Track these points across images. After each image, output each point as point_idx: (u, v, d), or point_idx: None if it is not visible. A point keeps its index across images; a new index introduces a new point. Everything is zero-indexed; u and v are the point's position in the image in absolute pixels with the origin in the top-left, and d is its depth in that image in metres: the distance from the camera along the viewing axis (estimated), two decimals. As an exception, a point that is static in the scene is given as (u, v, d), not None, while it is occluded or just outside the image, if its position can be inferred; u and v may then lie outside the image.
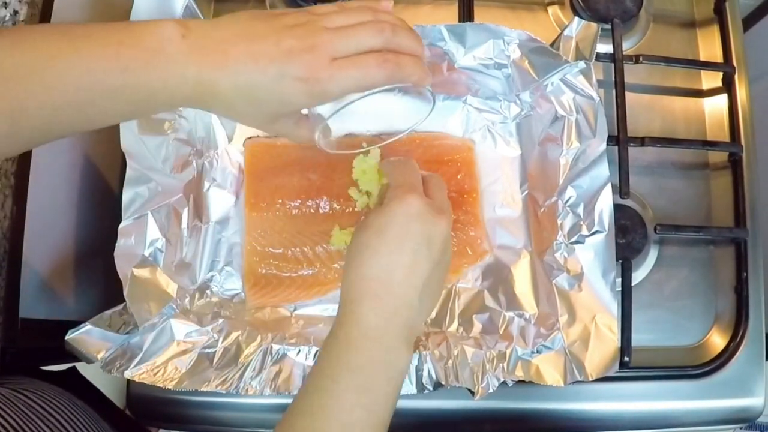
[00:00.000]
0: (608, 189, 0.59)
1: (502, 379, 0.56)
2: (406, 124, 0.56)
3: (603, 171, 0.60)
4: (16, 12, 0.56)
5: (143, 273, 0.57)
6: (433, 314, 0.62)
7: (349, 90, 0.44)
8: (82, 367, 0.61)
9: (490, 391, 0.56)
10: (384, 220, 0.46)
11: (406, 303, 0.45)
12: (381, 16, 0.46)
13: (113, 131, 0.58)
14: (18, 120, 0.40)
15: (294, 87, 0.42)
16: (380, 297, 0.45)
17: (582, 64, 0.61)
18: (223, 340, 0.58)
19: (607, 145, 0.60)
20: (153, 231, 0.58)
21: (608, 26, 0.68)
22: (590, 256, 0.59)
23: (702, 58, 0.74)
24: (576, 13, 0.71)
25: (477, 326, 0.61)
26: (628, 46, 0.72)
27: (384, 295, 0.45)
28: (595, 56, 0.62)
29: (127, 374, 0.55)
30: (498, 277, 0.64)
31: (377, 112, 0.54)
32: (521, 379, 0.57)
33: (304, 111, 0.49)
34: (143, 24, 0.42)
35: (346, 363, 0.44)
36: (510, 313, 0.62)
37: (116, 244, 0.57)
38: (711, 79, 0.73)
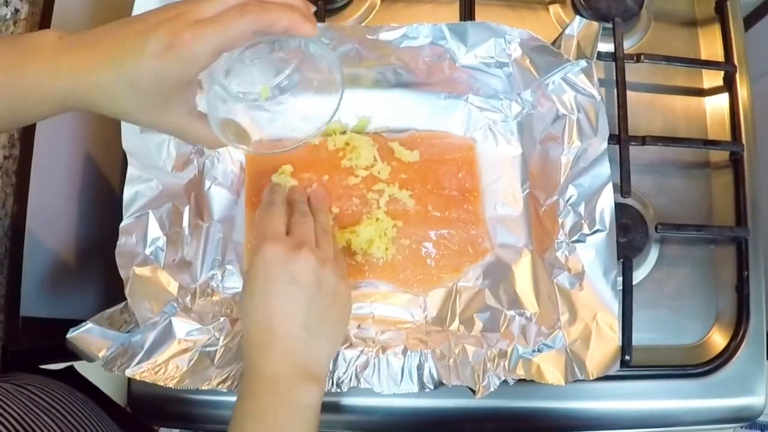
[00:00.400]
0: (609, 188, 0.59)
1: (503, 378, 0.56)
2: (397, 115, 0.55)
3: (604, 170, 0.60)
4: (17, 11, 0.56)
5: (144, 271, 0.57)
6: (435, 313, 0.62)
7: (216, 48, 0.42)
8: (83, 366, 0.61)
9: (491, 389, 0.56)
10: (250, 274, 0.50)
11: (293, 341, 0.48)
12: None
13: (114, 130, 0.58)
14: None
15: (161, 56, 0.41)
16: (266, 344, 0.48)
17: (583, 62, 0.61)
18: (224, 339, 0.57)
19: (608, 143, 0.60)
20: (154, 230, 0.58)
21: (609, 25, 0.68)
22: (591, 255, 0.59)
23: (703, 57, 0.74)
24: (577, 11, 0.71)
25: (478, 325, 0.61)
26: (629, 45, 0.72)
27: (269, 341, 0.48)
28: (596, 55, 0.62)
29: (128, 373, 0.55)
30: (499, 276, 0.64)
31: (303, 115, 0.52)
32: (522, 377, 0.57)
33: (201, 108, 0.47)
34: (26, 34, 0.44)
35: (250, 411, 0.48)
36: (511, 312, 0.62)
37: (117, 243, 0.57)
38: (712, 78, 0.73)
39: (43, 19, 0.59)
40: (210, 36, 0.41)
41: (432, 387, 0.56)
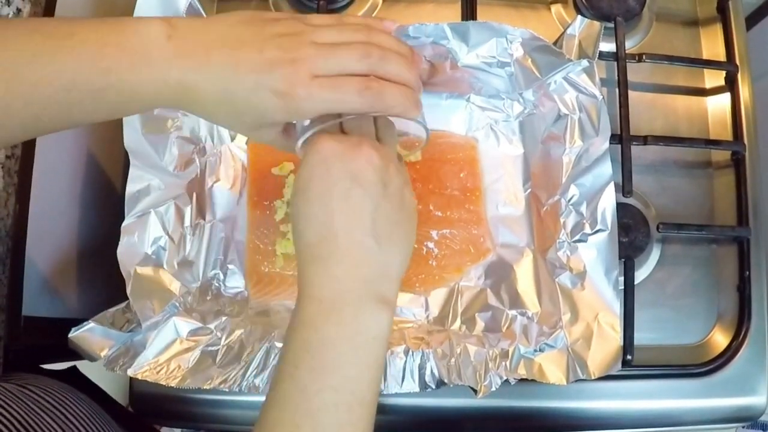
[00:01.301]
0: (611, 187, 0.59)
1: (505, 378, 0.56)
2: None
3: (606, 169, 0.60)
4: (19, 10, 0.56)
5: (146, 271, 0.57)
6: (436, 312, 0.62)
7: (324, 111, 0.41)
8: (84, 366, 0.61)
9: (493, 389, 0.56)
10: (303, 176, 0.43)
11: (361, 252, 0.41)
12: (376, 36, 0.43)
13: (116, 130, 0.58)
14: (2, 117, 0.40)
15: (270, 100, 0.40)
16: (328, 256, 0.41)
17: (585, 62, 0.61)
18: (225, 338, 0.57)
19: (610, 143, 0.60)
20: (156, 229, 0.58)
21: (611, 25, 0.68)
22: (593, 255, 0.59)
23: (705, 56, 0.74)
24: (579, 11, 0.71)
25: (480, 324, 0.61)
26: (631, 45, 0.72)
27: (332, 252, 0.41)
28: (598, 55, 0.62)
29: (130, 372, 0.55)
30: (501, 276, 0.64)
31: None
32: (524, 377, 0.57)
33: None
34: (129, 22, 0.41)
35: (304, 344, 0.40)
36: (513, 312, 0.62)
37: (119, 242, 0.57)
38: (714, 78, 0.73)
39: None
40: (322, 102, 0.40)
41: (434, 386, 0.56)
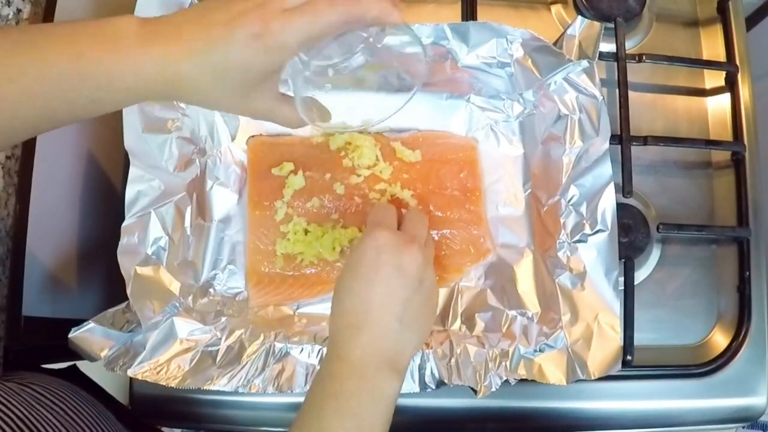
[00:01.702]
0: (611, 188, 0.59)
1: (505, 378, 0.56)
2: (398, 115, 0.56)
3: (606, 170, 0.60)
4: (19, 10, 0.56)
5: (146, 271, 0.58)
6: (436, 313, 0.62)
7: (305, 38, 0.41)
8: (84, 365, 0.61)
9: (493, 389, 0.56)
10: (356, 257, 0.49)
11: (386, 330, 0.48)
12: None
13: (116, 130, 0.58)
14: None
15: (249, 46, 0.41)
16: (359, 328, 0.47)
17: (585, 63, 0.61)
18: (226, 339, 0.58)
19: (610, 144, 0.60)
20: (156, 229, 0.58)
21: (611, 25, 0.68)
22: (593, 255, 0.59)
23: (705, 57, 0.74)
24: (579, 12, 0.71)
25: (480, 325, 0.61)
26: (631, 45, 0.72)
27: (362, 325, 0.47)
28: (598, 55, 0.62)
29: (130, 372, 0.55)
30: (501, 276, 0.64)
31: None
32: (524, 377, 0.57)
33: (284, 89, 0.47)
34: (104, 18, 0.42)
35: (332, 392, 0.47)
36: (513, 312, 0.62)
37: (119, 243, 0.57)
38: (714, 78, 0.73)
39: (45, 19, 0.59)
40: (299, 26, 0.41)
41: (434, 387, 0.56)
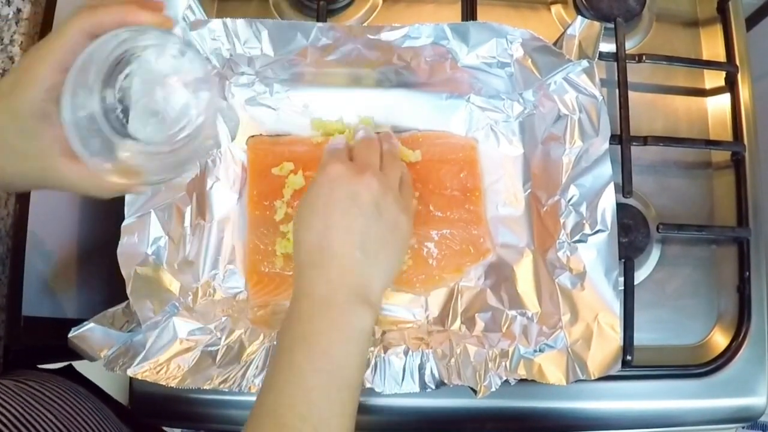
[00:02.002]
0: (611, 188, 0.59)
1: (505, 378, 0.56)
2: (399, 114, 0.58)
3: (606, 170, 0.60)
4: (19, 10, 0.56)
5: (146, 271, 0.58)
6: (436, 313, 0.63)
7: (50, 57, 0.40)
8: (84, 365, 0.61)
9: (493, 389, 0.56)
10: (311, 193, 0.50)
11: (349, 262, 0.47)
12: None
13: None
14: None
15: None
16: (321, 264, 0.47)
17: (585, 63, 0.61)
18: (225, 338, 0.58)
19: (610, 144, 0.60)
20: (156, 229, 0.58)
21: (611, 25, 0.68)
22: (593, 255, 0.59)
23: (705, 57, 0.74)
24: (579, 12, 0.71)
25: (479, 325, 0.61)
26: (631, 45, 0.72)
27: (325, 261, 0.47)
28: (598, 55, 0.61)
29: (130, 372, 0.55)
30: (500, 276, 0.64)
31: (301, 110, 0.61)
32: (524, 377, 0.57)
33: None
34: None
35: (301, 333, 0.46)
36: (512, 312, 0.62)
37: (119, 242, 0.57)
38: (714, 79, 0.73)
39: (45, 18, 0.59)
40: (40, 45, 0.39)
41: (433, 387, 0.56)
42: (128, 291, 0.56)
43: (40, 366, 0.60)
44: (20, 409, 0.45)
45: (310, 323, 0.46)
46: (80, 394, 0.53)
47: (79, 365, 0.63)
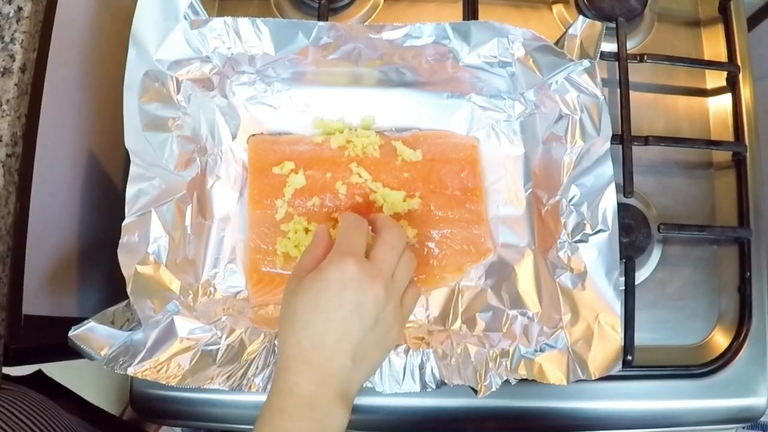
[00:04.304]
0: (612, 188, 0.59)
1: (505, 378, 0.56)
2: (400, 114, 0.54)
3: (607, 170, 0.60)
4: (20, 8, 0.56)
5: (146, 270, 0.57)
6: (437, 312, 0.63)
7: None
8: (83, 365, 0.61)
9: (493, 389, 0.56)
10: (319, 285, 0.48)
11: (339, 367, 0.47)
12: None
13: (117, 129, 0.58)
14: None
15: None
16: (312, 364, 0.47)
17: (586, 62, 0.60)
18: (226, 338, 0.57)
19: (611, 143, 0.60)
20: (156, 228, 0.58)
21: (613, 25, 0.68)
22: (594, 255, 0.59)
23: (706, 57, 0.74)
24: (581, 11, 0.71)
25: (480, 324, 0.61)
26: (632, 45, 0.72)
27: (315, 360, 0.47)
28: (599, 55, 0.61)
29: (130, 371, 0.55)
30: (501, 276, 0.64)
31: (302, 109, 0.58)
32: (524, 377, 0.57)
33: None
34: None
35: (282, 429, 0.46)
36: (513, 312, 0.62)
37: (120, 241, 0.57)
38: (715, 79, 0.73)
39: (46, 16, 0.59)
40: None
41: (434, 386, 0.56)
42: (129, 290, 0.56)
43: (6, 373, 0.60)
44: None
45: (291, 422, 0.46)
46: (50, 410, 0.52)
47: (79, 364, 0.63)
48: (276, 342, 0.57)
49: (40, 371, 0.63)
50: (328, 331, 0.47)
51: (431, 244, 0.63)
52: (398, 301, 0.51)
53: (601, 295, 0.58)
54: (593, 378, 0.56)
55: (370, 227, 0.54)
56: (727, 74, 0.72)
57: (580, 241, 0.59)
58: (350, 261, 0.48)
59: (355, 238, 0.51)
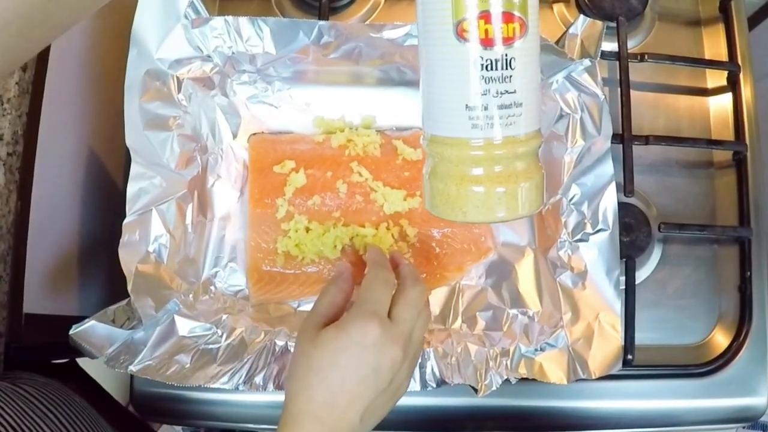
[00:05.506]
0: (612, 187, 0.59)
1: (506, 377, 0.56)
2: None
3: (607, 169, 0.60)
4: (21, 7, 0.56)
5: (147, 269, 0.57)
6: (437, 311, 0.63)
7: None
8: (85, 363, 0.61)
9: (494, 388, 0.56)
10: (339, 345, 0.47)
11: (347, 425, 0.47)
12: None
13: (118, 127, 0.58)
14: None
15: None
16: (322, 422, 0.46)
17: (587, 62, 0.60)
18: (226, 336, 0.58)
19: (612, 143, 0.60)
20: (157, 227, 0.58)
21: (613, 24, 0.68)
22: (594, 254, 0.59)
23: (707, 56, 0.74)
24: (581, 10, 0.71)
25: (480, 323, 0.61)
26: (633, 44, 0.72)
27: (326, 419, 0.46)
28: (600, 54, 0.61)
29: (131, 370, 0.55)
30: (502, 275, 0.64)
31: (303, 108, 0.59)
32: (524, 376, 0.57)
33: None
34: None
35: None
36: (514, 311, 0.62)
37: (120, 240, 0.57)
38: (716, 78, 0.73)
39: (47, 15, 0.59)
40: None
41: (434, 385, 0.56)
42: (129, 288, 0.56)
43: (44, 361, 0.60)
44: (15, 417, 0.45)
45: None
46: (76, 403, 0.52)
47: (80, 363, 0.64)
48: (277, 341, 0.57)
49: (74, 361, 0.63)
50: (343, 391, 0.46)
51: (432, 243, 0.63)
52: (413, 360, 0.51)
53: (602, 295, 0.58)
54: (593, 377, 0.56)
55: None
56: (728, 74, 0.72)
57: (580, 240, 0.59)
58: (374, 324, 0.47)
59: (381, 297, 0.50)
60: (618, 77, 0.67)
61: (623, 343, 0.58)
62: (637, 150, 0.65)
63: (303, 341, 0.49)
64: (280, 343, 0.57)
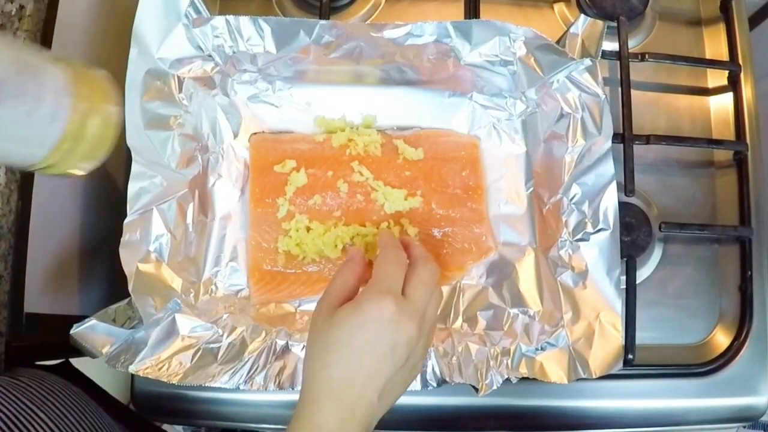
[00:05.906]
0: (613, 186, 0.59)
1: (506, 376, 0.56)
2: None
3: (608, 168, 0.60)
4: (22, 7, 0.56)
5: (148, 268, 0.57)
6: (438, 311, 0.62)
7: None
8: (85, 362, 0.61)
9: (494, 387, 0.56)
10: (355, 322, 0.47)
11: (366, 403, 0.47)
12: None
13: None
14: None
15: None
16: (341, 398, 0.46)
17: (588, 61, 0.60)
18: (227, 336, 0.58)
19: (613, 142, 0.60)
20: (158, 226, 0.58)
21: (614, 24, 0.68)
22: (595, 254, 0.59)
23: (708, 56, 0.74)
24: (582, 10, 0.71)
25: (481, 323, 0.61)
26: (634, 44, 0.72)
27: (345, 396, 0.46)
28: (601, 54, 0.61)
29: (132, 369, 0.55)
30: (502, 274, 0.64)
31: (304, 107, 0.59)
32: (525, 376, 0.57)
33: None
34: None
35: None
36: (514, 310, 0.62)
37: (121, 239, 0.57)
38: (717, 78, 0.73)
39: (48, 15, 0.59)
40: None
41: (435, 385, 0.56)
42: (130, 288, 0.56)
43: (38, 363, 0.60)
44: (13, 409, 0.45)
45: None
46: (74, 393, 0.52)
47: (80, 362, 0.64)
48: (278, 340, 0.57)
49: (67, 361, 0.63)
50: (361, 368, 0.46)
51: (432, 243, 0.63)
52: (427, 339, 0.51)
53: (602, 294, 0.58)
54: (594, 377, 0.56)
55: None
56: (729, 73, 0.72)
57: (581, 239, 0.59)
58: (389, 300, 0.47)
59: (394, 274, 0.50)
60: (619, 77, 0.67)
61: (624, 342, 0.58)
62: (638, 149, 0.65)
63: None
64: (280, 342, 0.57)
